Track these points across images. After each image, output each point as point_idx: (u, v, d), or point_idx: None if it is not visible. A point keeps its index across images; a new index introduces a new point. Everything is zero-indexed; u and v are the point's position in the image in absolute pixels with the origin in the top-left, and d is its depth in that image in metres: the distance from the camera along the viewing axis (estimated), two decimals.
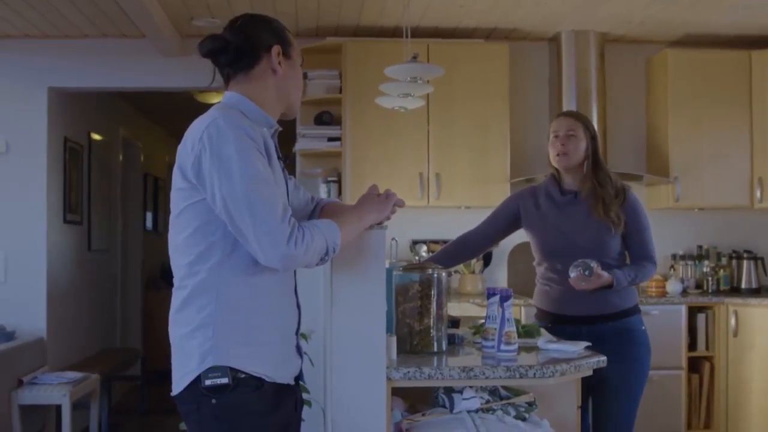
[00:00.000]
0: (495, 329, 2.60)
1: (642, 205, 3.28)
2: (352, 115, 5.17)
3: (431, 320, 2.63)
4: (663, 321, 4.86)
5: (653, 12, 4.99)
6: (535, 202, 3.33)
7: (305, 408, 2.29)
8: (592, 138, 3.25)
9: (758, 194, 5.35)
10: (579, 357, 2.61)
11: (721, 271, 5.47)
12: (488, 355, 2.59)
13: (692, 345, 5.06)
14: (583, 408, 3.16)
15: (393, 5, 4.77)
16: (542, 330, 3.06)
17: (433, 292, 2.64)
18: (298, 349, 2.12)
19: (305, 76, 4.89)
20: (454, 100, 5.20)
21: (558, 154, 3.24)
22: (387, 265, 2.43)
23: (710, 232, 5.68)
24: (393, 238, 5.15)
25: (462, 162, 5.22)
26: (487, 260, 5.39)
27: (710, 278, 5.46)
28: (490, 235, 3.47)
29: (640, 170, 5.56)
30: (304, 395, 2.28)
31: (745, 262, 5.43)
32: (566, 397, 2.72)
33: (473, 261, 5.16)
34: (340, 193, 5.24)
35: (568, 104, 5.33)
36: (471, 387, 2.50)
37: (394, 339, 2.50)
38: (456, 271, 5.26)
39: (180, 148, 1.99)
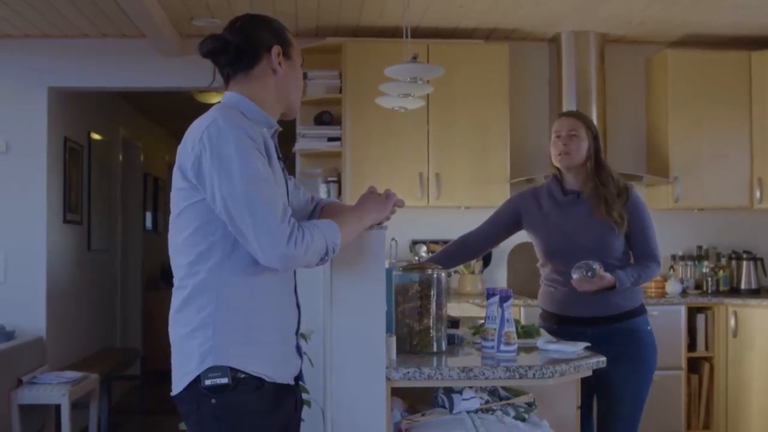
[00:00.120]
0: (494, 329, 2.60)
1: (645, 204, 3.26)
2: (352, 115, 5.17)
3: (431, 320, 2.64)
4: (662, 321, 4.85)
5: (653, 12, 4.99)
6: (536, 203, 3.32)
7: (305, 408, 2.29)
8: (594, 138, 3.25)
9: (758, 195, 5.35)
10: (578, 357, 2.61)
11: (721, 271, 5.47)
12: (488, 355, 2.59)
13: (692, 345, 5.06)
14: (586, 408, 3.17)
15: (393, 5, 4.78)
16: (541, 330, 3.06)
17: (433, 292, 2.64)
18: (298, 349, 2.12)
19: (305, 76, 4.88)
20: (454, 100, 5.20)
21: (560, 154, 3.23)
22: (387, 266, 2.43)
23: (710, 233, 5.68)
24: (393, 239, 5.16)
25: (462, 162, 5.22)
26: (486, 260, 5.39)
27: (710, 279, 5.46)
28: (491, 236, 3.46)
29: (639, 170, 5.56)
30: (304, 395, 2.28)
31: (744, 263, 5.43)
32: (566, 398, 2.72)
33: (473, 261, 5.16)
34: (340, 193, 5.24)
35: (568, 104, 5.34)
36: (470, 387, 2.50)
37: (393, 339, 2.50)
38: (456, 272, 5.26)
39: (180, 148, 1.99)
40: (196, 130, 1.97)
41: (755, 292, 5.35)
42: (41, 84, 5.41)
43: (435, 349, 2.64)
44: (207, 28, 5.03)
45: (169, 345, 2.02)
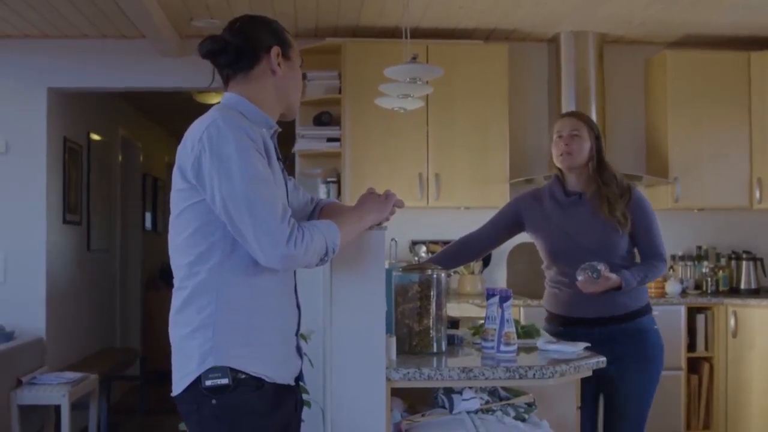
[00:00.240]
0: (494, 330, 2.59)
1: (648, 203, 3.24)
2: (351, 116, 5.17)
3: (431, 321, 2.64)
4: (662, 322, 4.73)
5: (653, 12, 4.99)
6: (538, 205, 3.30)
7: (305, 408, 2.29)
8: (596, 138, 3.22)
9: (757, 195, 5.35)
10: (578, 358, 2.60)
11: (721, 271, 5.47)
12: (488, 355, 2.59)
13: (691, 346, 5.07)
14: (591, 408, 3.16)
15: (392, 6, 4.78)
16: (541, 331, 3.05)
17: (433, 292, 2.64)
18: (298, 349, 2.12)
19: (304, 76, 4.91)
20: (453, 100, 5.21)
21: (561, 154, 3.20)
22: (386, 266, 2.43)
23: (709, 233, 5.68)
24: (392, 239, 5.16)
25: (461, 162, 5.22)
26: (486, 261, 5.38)
27: (709, 279, 5.46)
28: (492, 237, 3.44)
29: (639, 171, 5.56)
30: (304, 396, 2.28)
31: (744, 263, 5.43)
32: (566, 398, 2.72)
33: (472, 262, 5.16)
34: (339, 193, 5.24)
35: (568, 105, 5.34)
36: (470, 388, 2.50)
37: (393, 339, 2.50)
38: (455, 272, 5.26)
39: (180, 148, 1.99)
40: (195, 130, 1.97)
41: (755, 292, 5.35)
42: (41, 84, 5.41)
43: (435, 350, 2.64)
44: (206, 28, 5.03)
45: (168, 345, 2.02)
